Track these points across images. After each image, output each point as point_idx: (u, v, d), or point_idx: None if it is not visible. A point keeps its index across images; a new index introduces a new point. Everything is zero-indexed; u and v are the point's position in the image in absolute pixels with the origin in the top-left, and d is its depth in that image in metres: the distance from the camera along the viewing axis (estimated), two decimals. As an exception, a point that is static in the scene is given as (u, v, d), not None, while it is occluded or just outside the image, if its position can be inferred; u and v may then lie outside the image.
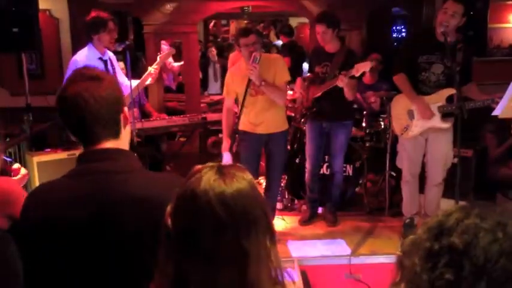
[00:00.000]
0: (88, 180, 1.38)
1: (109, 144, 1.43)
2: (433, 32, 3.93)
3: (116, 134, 1.45)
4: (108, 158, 1.41)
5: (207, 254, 1.00)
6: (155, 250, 1.32)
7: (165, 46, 6.81)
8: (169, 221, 1.05)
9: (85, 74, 1.43)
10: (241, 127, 4.05)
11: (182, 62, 7.09)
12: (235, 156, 4.05)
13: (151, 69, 4.22)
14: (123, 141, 1.47)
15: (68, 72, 4.01)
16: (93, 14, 3.96)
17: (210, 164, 1.10)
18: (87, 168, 1.41)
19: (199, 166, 1.10)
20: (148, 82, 4.28)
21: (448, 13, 3.77)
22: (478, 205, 0.81)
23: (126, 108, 1.48)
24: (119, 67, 4.34)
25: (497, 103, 3.59)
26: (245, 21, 10.10)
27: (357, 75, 4.13)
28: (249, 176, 1.09)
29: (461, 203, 0.87)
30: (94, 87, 1.39)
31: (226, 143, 4.09)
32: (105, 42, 3.95)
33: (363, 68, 4.06)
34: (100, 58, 3.98)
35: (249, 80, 3.83)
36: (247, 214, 1.03)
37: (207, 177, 1.04)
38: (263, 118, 4.12)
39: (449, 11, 3.77)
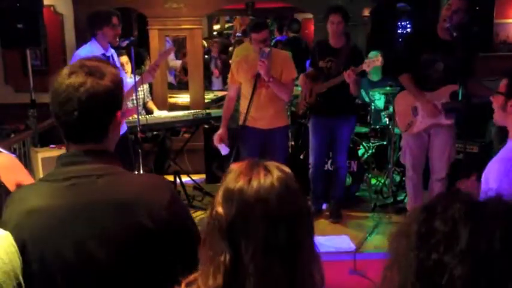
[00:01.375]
0: (67, 185, 1.32)
1: (94, 145, 1.36)
2: (435, 29, 3.93)
3: (103, 136, 1.37)
4: (90, 161, 1.35)
5: (263, 244, 1.03)
6: (139, 254, 1.31)
7: (168, 43, 6.81)
8: (220, 210, 1.06)
9: (86, 66, 1.34)
10: (242, 122, 4.05)
11: (180, 61, 7.08)
12: (236, 151, 4.05)
13: (152, 66, 4.21)
14: (109, 143, 1.40)
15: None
16: (98, 10, 3.96)
17: (247, 160, 1.13)
18: (67, 171, 1.35)
19: (236, 166, 1.12)
20: (148, 80, 4.26)
21: (452, 9, 3.76)
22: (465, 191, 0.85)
23: (120, 112, 1.39)
24: (119, 62, 4.32)
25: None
26: (250, 17, 10.08)
27: (368, 70, 4.12)
28: (287, 168, 1.12)
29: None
30: (93, 84, 1.31)
31: (222, 131, 4.11)
32: (109, 37, 3.93)
33: (374, 63, 4.04)
34: (103, 54, 3.98)
35: (258, 75, 3.83)
36: (297, 205, 1.08)
37: (256, 182, 1.07)
38: (264, 113, 4.10)
39: (453, 6, 3.76)
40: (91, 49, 3.91)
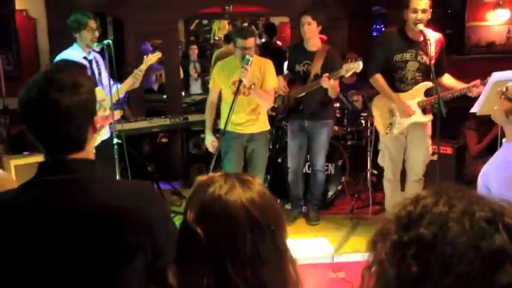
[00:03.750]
0: (51, 193, 1.31)
1: (74, 154, 1.35)
2: (404, 30, 4.00)
3: (82, 145, 1.36)
4: (72, 169, 1.33)
5: (249, 256, 1.02)
6: (124, 259, 1.29)
7: (146, 47, 6.76)
8: (198, 229, 1.03)
9: (57, 81, 1.30)
10: (222, 126, 4.04)
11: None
12: (217, 157, 4.04)
13: (138, 72, 4.15)
14: (88, 151, 1.39)
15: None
16: (76, 13, 3.92)
17: (218, 173, 1.12)
18: (49, 179, 1.33)
19: (206, 176, 1.11)
20: (133, 86, 4.19)
21: (419, 10, 3.83)
22: (449, 189, 0.78)
23: (96, 118, 1.38)
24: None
25: (473, 91, 3.74)
26: (226, 21, 10.07)
27: (347, 75, 4.15)
28: (258, 180, 1.13)
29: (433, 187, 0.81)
30: (66, 100, 1.28)
31: (210, 138, 4.13)
32: (86, 41, 3.90)
33: (354, 68, 4.07)
34: (85, 57, 3.94)
35: (240, 81, 3.81)
36: (276, 215, 1.09)
37: (231, 185, 1.07)
38: (245, 118, 4.12)
39: (419, 8, 3.83)
40: (72, 53, 3.87)
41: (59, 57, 3.88)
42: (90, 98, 1.35)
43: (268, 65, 4.16)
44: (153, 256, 1.32)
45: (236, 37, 3.97)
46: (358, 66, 4.06)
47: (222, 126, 4.02)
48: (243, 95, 4.02)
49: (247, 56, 3.78)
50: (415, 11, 3.84)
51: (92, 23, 3.90)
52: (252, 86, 3.90)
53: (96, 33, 3.93)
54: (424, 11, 3.83)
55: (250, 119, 4.14)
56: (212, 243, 1.02)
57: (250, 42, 3.89)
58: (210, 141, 4.15)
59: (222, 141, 4.02)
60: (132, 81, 4.11)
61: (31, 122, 1.32)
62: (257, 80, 4.00)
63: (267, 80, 4.07)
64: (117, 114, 4.06)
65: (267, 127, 4.28)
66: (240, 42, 3.89)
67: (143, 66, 4.19)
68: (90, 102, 1.35)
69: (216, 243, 1.02)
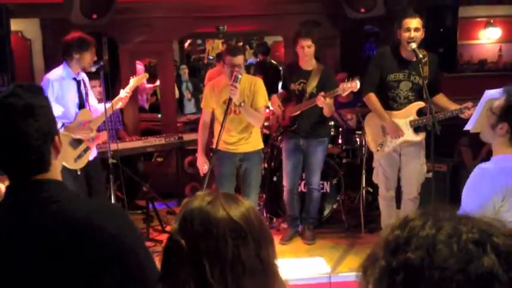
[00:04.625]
0: (19, 213, 1.31)
1: (39, 176, 1.35)
2: (398, 50, 4.04)
3: (44, 166, 1.35)
4: (40, 189, 1.33)
5: (229, 261, 1.02)
6: (90, 277, 1.28)
7: (140, 66, 6.79)
8: (179, 238, 1.04)
9: (9, 104, 1.30)
10: (215, 146, 4.04)
11: (157, 83, 7.06)
12: (210, 176, 4.03)
13: (123, 93, 4.20)
14: (54, 172, 1.38)
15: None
16: (76, 34, 3.95)
17: (205, 192, 1.14)
18: (18, 198, 1.33)
19: (194, 196, 1.12)
20: (118, 106, 4.25)
21: (412, 29, 3.88)
22: (437, 210, 0.77)
23: (57, 137, 1.38)
24: (90, 85, 4.30)
25: (464, 113, 3.74)
26: (220, 41, 10.15)
27: (344, 94, 4.18)
28: (246, 200, 1.14)
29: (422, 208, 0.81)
30: (22, 119, 1.29)
31: (201, 160, 4.10)
32: (85, 63, 3.94)
33: (351, 88, 4.09)
34: (74, 78, 3.96)
35: (230, 99, 3.83)
36: (262, 228, 1.09)
37: (214, 197, 1.08)
38: (237, 138, 4.11)
39: (412, 26, 3.88)
40: (62, 73, 3.91)
41: (47, 76, 3.91)
42: (45, 119, 1.35)
43: (259, 83, 4.16)
44: (124, 278, 1.30)
45: (225, 55, 4.00)
46: (356, 85, 4.08)
47: (214, 146, 4.03)
48: (234, 113, 4.01)
49: (236, 74, 3.79)
50: (408, 29, 3.89)
51: (93, 46, 3.98)
52: (242, 104, 3.90)
53: (95, 56, 4.00)
54: (416, 29, 3.88)
55: (242, 137, 4.12)
56: (193, 249, 1.02)
57: (239, 59, 3.90)
58: (201, 163, 4.12)
59: (215, 160, 4.02)
60: (118, 103, 4.16)
61: None
62: (247, 98, 4.00)
63: (257, 98, 4.08)
64: (104, 135, 4.07)
65: (260, 145, 4.28)
66: (229, 59, 3.90)
67: (130, 87, 4.25)
68: (47, 123, 1.35)
69: (197, 249, 1.02)
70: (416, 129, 4.07)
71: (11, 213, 1.32)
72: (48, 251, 1.28)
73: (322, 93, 4.16)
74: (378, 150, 4.21)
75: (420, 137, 4.07)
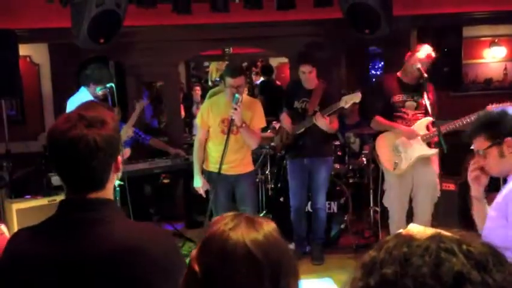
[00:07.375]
0: (70, 232, 1.33)
1: (94, 193, 1.37)
2: (399, 77, 4.15)
3: (103, 184, 1.38)
4: (92, 208, 1.36)
5: None
6: None
7: (145, 95, 6.85)
8: (196, 267, 1.02)
9: (85, 118, 1.34)
10: (208, 167, 4.05)
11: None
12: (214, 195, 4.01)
13: (134, 118, 4.43)
14: (108, 191, 1.41)
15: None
16: (94, 66, 4.24)
17: (231, 214, 1.11)
18: (70, 217, 1.36)
19: (219, 217, 1.10)
20: (125, 138, 4.46)
21: (424, 62, 3.99)
22: (412, 230, 0.79)
23: (120, 157, 1.42)
24: None
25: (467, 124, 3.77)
26: (225, 62, 10.21)
27: (346, 106, 4.19)
28: (271, 222, 1.11)
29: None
30: (94, 136, 1.32)
31: (200, 180, 4.08)
32: (94, 94, 4.16)
33: (353, 99, 4.11)
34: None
35: (232, 120, 3.83)
36: (282, 259, 1.06)
37: (237, 222, 1.05)
38: (231, 158, 4.03)
39: (424, 60, 4.00)
40: (84, 97, 4.03)
41: (71, 100, 4.05)
42: (116, 136, 1.39)
43: (257, 104, 4.18)
44: None
45: (226, 76, 3.97)
46: (357, 97, 4.10)
47: (206, 167, 4.07)
48: (231, 133, 4.00)
49: (237, 95, 3.78)
50: (420, 60, 3.99)
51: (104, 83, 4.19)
52: (243, 125, 3.90)
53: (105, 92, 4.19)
54: (429, 56, 4.02)
55: (236, 158, 4.07)
56: (207, 277, 1.00)
57: (240, 80, 3.89)
58: (200, 184, 4.08)
59: (209, 182, 4.03)
60: (124, 135, 4.41)
61: (58, 156, 1.36)
62: (246, 119, 4.01)
63: (256, 120, 4.08)
64: (126, 152, 4.28)
65: (252, 167, 4.29)
66: (229, 80, 3.89)
67: (137, 112, 4.56)
68: (116, 139, 1.39)
69: (211, 277, 1.00)
70: (429, 144, 4.10)
71: (62, 232, 1.34)
72: (97, 271, 1.30)
73: (318, 112, 4.18)
74: (394, 168, 4.18)
75: (434, 150, 4.08)
